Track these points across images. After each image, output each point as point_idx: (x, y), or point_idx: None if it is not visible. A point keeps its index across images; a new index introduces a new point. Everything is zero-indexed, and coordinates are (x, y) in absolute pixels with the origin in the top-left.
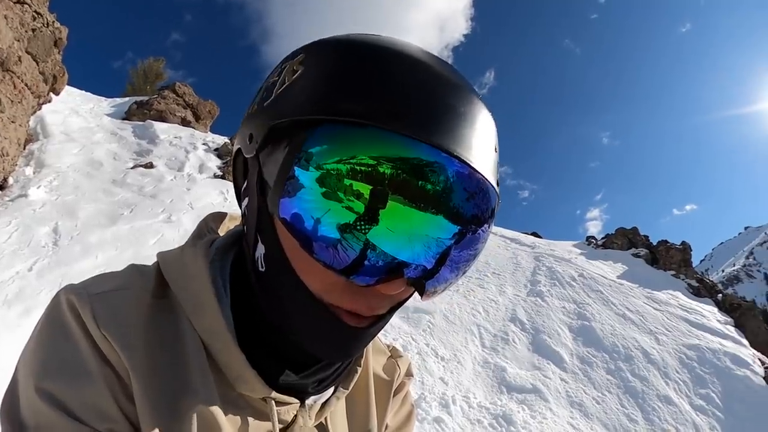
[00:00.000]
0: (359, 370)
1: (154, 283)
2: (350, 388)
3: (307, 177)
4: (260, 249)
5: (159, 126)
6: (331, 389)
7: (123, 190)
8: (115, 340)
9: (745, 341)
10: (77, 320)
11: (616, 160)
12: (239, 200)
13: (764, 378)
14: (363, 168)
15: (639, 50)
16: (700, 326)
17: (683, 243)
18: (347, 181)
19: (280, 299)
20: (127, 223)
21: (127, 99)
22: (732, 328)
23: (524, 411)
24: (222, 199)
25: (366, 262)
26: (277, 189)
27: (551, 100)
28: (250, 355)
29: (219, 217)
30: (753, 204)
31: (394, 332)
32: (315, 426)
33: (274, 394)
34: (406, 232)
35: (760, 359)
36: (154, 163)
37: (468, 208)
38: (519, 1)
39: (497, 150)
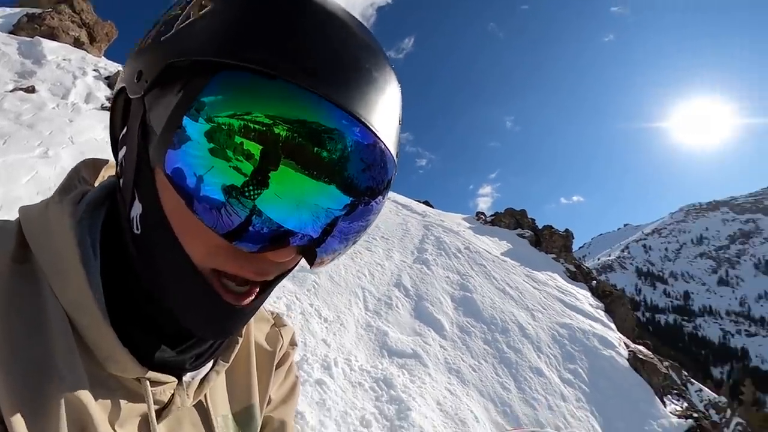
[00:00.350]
0: (240, 341)
1: (15, 245)
2: (230, 361)
3: (195, 129)
4: (137, 208)
5: (48, 45)
6: (210, 362)
7: None
8: None
9: (613, 325)
10: None
11: (515, 143)
12: (115, 149)
13: (627, 360)
14: (257, 126)
15: (560, 48)
16: (573, 308)
17: (566, 230)
18: (238, 139)
19: (156, 264)
20: None
21: (18, 10)
22: (602, 313)
23: (404, 375)
24: (107, 134)
25: (251, 228)
26: (164, 138)
27: (464, 75)
28: (121, 329)
29: (95, 165)
30: (636, 205)
31: (278, 291)
32: (194, 405)
33: (149, 373)
34: (294, 199)
35: (625, 343)
36: (36, 87)
37: (363, 179)
38: None
39: (401, 122)
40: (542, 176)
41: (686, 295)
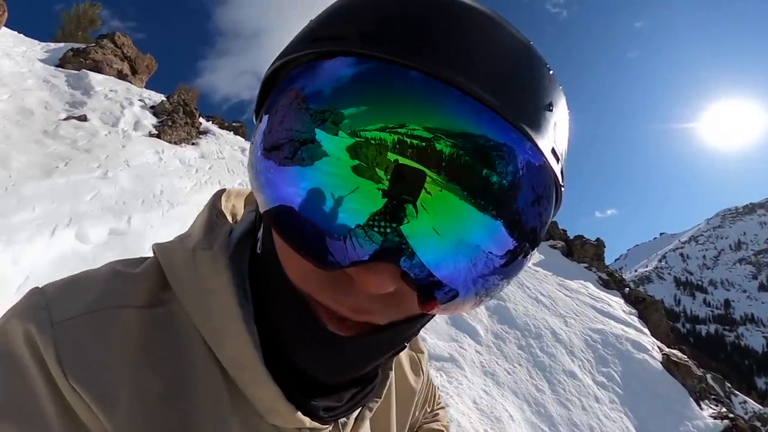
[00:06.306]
0: (391, 375)
1: (146, 290)
2: (383, 397)
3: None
4: (261, 228)
5: (95, 77)
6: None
7: (56, 143)
8: (88, 394)
9: (646, 330)
10: (39, 365)
11: None
12: None
13: (661, 363)
14: (415, 142)
15: (585, 62)
16: (606, 314)
17: (597, 239)
18: (392, 156)
19: (268, 286)
20: (63, 176)
21: (62, 45)
22: (636, 318)
23: (441, 377)
24: (157, 159)
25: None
26: None
27: None
28: (276, 376)
29: (227, 195)
30: (671, 213)
31: None
32: None
33: (308, 422)
34: (455, 238)
35: (658, 346)
36: (88, 116)
37: (530, 216)
38: None
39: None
40: (575, 190)
41: (727, 304)
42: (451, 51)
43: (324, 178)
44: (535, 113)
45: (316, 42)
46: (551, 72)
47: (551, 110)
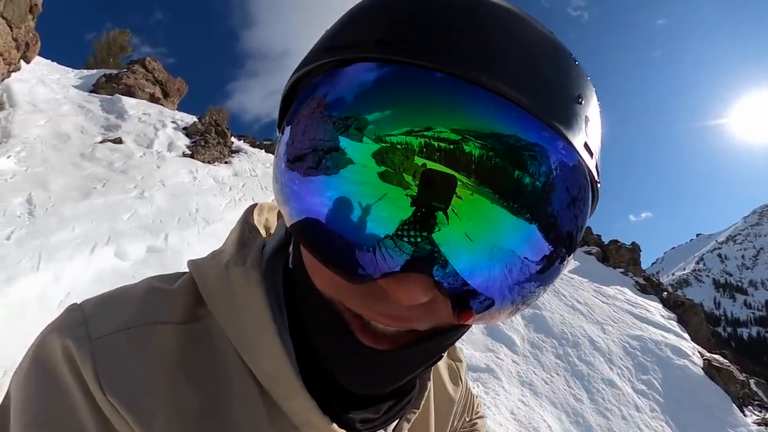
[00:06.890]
0: (429, 384)
1: (183, 306)
2: (421, 408)
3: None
4: (292, 241)
5: (128, 101)
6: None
7: (93, 165)
8: (126, 408)
9: (686, 335)
10: (77, 380)
11: None
12: None
13: (702, 368)
14: (443, 145)
15: (610, 65)
16: (644, 319)
17: (633, 243)
18: (419, 161)
19: (297, 299)
20: (100, 197)
21: (95, 71)
22: (675, 323)
23: (478, 387)
24: (191, 178)
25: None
26: None
27: None
28: (313, 389)
29: (260, 209)
30: (706, 213)
31: None
32: None
33: None
34: (488, 243)
35: (699, 352)
36: (123, 138)
37: (566, 219)
38: None
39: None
40: (609, 194)
41: None
42: (475, 49)
43: (350, 186)
44: (566, 108)
45: (333, 50)
46: (577, 63)
47: (581, 103)
